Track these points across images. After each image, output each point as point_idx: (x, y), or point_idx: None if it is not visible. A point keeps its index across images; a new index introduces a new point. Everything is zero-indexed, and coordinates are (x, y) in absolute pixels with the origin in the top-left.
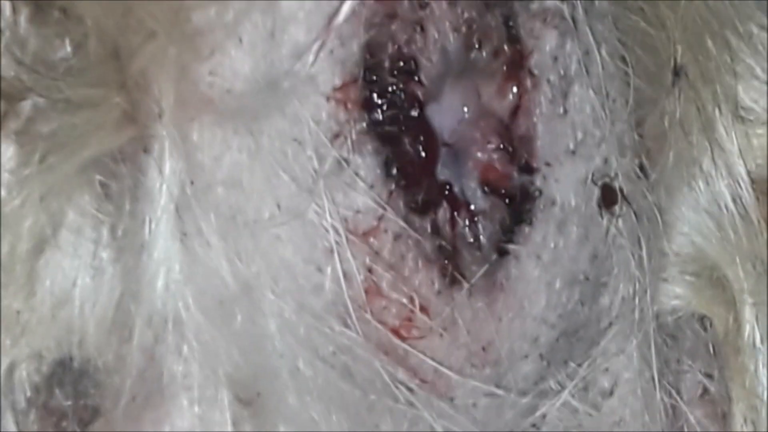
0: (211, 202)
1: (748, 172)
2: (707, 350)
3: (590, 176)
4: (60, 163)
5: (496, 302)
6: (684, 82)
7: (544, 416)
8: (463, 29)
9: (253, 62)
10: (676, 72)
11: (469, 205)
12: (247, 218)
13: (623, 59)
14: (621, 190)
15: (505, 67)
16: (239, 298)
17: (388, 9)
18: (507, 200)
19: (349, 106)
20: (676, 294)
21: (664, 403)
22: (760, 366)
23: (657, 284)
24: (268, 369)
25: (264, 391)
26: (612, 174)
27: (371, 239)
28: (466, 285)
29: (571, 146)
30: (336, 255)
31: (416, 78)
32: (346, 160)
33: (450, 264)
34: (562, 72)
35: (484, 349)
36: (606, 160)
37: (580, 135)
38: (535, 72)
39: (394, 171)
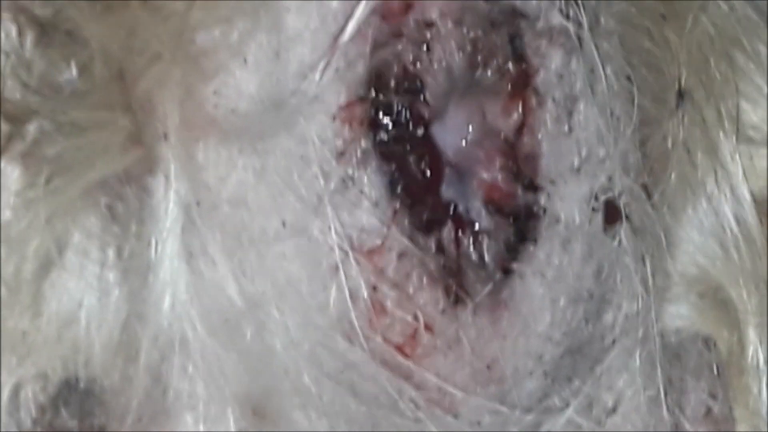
0: (216, 221)
1: (752, 194)
2: (711, 370)
3: (594, 194)
4: (66, 185)
5: (500, 320)
6: (688, 105)
7: None
8: (469, 48)
9: (258, 82)
10: (681, 95)
11: (473, 224)
12: (252, 237)
13: (628, 78)
14: (625, 208)
15: (510, 86)
16: (245, 316)
17: (394, 28)
18: (511, 219)
19: (355, 124)
20: (681, 314)
21: (667, 421)
22: (763, 387)
23: (661, 303)
24: (274, 386)
25: (270, 408)
26: (616, 192)
27: (376, 257)
28: (470, 303)
29: (576, 164)
30: (341, 273)
31: (421, 97)
32: (352, 179)
33: (454, 282)
34: (567, 90)
35: (488, 366)
36: (610, 178)
37: (584, 153)
38: (541, 90)
39: (399, 190)
